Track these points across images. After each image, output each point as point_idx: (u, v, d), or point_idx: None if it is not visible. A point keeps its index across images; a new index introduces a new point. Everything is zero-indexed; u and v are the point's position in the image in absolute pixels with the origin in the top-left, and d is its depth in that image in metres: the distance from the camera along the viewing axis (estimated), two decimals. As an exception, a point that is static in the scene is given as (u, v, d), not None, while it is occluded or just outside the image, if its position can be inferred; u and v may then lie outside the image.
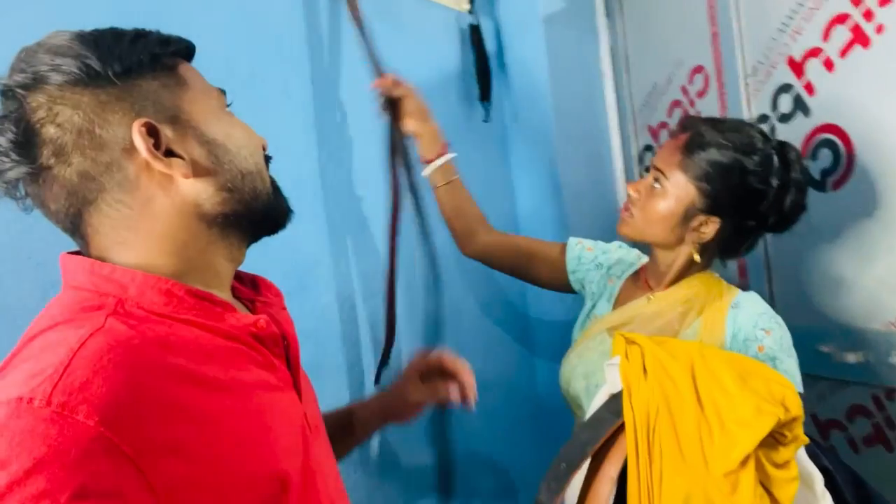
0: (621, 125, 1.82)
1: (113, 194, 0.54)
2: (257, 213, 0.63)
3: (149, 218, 0.56)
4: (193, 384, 0.52)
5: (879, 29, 1.15)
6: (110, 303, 0.52)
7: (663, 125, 1.69)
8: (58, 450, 0.41)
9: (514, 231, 1.70)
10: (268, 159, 0.67)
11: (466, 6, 1.60)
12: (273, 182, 0.66)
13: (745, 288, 1.07)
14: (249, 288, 0.71)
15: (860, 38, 1.18)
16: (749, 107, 1.44)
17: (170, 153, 0.56)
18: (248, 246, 0.66)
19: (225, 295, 0.63)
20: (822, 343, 1.31)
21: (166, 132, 0.56)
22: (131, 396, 0.46)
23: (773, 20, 1.35)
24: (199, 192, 0.57)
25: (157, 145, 0.55)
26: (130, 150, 0.54)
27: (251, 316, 0.61)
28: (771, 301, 1.42)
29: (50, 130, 0.52)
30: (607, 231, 1.76)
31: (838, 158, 1.25)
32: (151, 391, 0.48)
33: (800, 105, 1.32)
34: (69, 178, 0.53)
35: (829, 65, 1.25)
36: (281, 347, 0.64)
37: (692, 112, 1.59)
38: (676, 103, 1.64)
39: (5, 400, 0.43)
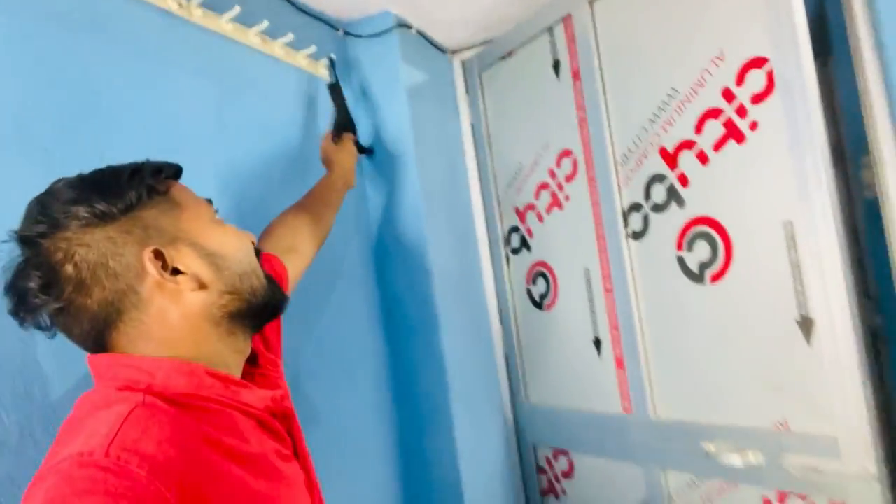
0: (486, 205, 1.73)
1: (130, 314, 0.62)
2: (257, 306, 0.72)
3: (163, 327, 0.64)
4: (222, 452, 0.59)
5: (753, 126, 1.16)
6: (143, 386, 0.59)
7: (531, 206, 1.62)
8: (115, 494, 0.48)
9: (381, 316, 1.51)
10: (257, 253, 0.75)
11: (324, 72, 1.42)
12: (267, 276, 0.75)
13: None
14: (247, 363, 0.77)
15: (734, 133, 1.19)
16: (621, 194, 1.40)
17: (176, 271, 0.64)
18: (252, 336, 0.75)
19: (237, 376, 0.71)
20: (706, 440, 1.26)
21: (171, 253, 0.64)
22: (175, 455, 0.54)
23: (642, 110, 1.34)
24: (205, 299, 0.66)
25: (164, 266, 0.63)
26: (142, 274, 0.62)
27: (267, 392, 0.71)
28: (651, 390, 1.36)
29: (69, 269, 0.59)
30: (476, 316, 1.64)
31: (716, 251, 1.24)
32: (190, 452, 0.55)
33: (674, 195, 1.30)
34: (91, 308, 0.61)
35: (703, 158, 1.25)
36: (288, 419, 0.75)
37: (560, 195, 1.54)
38: (544, 185, 1.58)
39: (68, 455, 0.51)
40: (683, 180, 1.29)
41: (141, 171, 0.66)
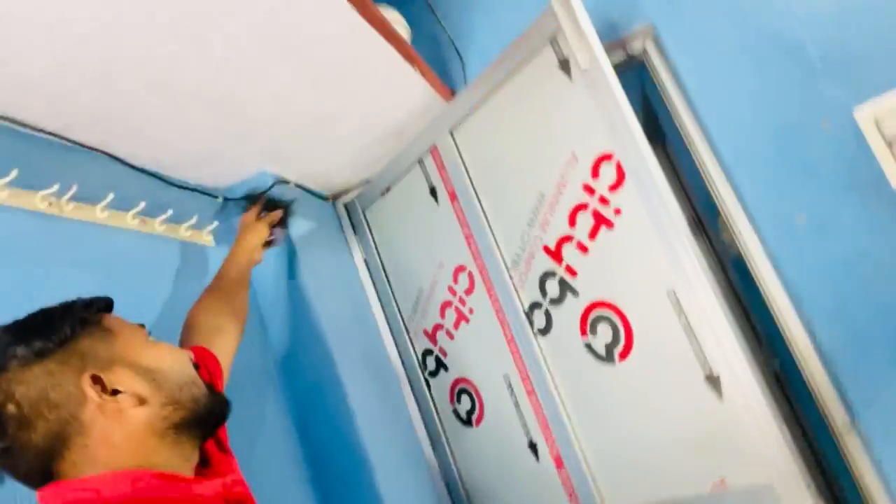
0: (394, 334, 1.74)
1: (75, 441, 0.64)
2: (201, 415, 0.73)
3: (108, 448, 0.65)
4: None
5: (617, 211, 1.28)
6: None
7: (439, 327, 1.64)
8: None
9: (307, 468, 1.43)
10: (196, 367, 0.78)
11: (209, 240, 1.43)
12: (206, 384, 0.77)
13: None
14: (200, 466, 0.77)
15: (603, 220, 1.30)
16: (519, 296, 1.46)
17: (115, 392, 0.66)
18: (199, 446, 0.75)
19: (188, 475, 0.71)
20: (658, 520, 1.26)
21: (108, 377, 0.66)
22: None
23: (519, 216, 1.44)
24: (147, 413, 0.68)
25: (103, 389, 0.65)
26: (82, 400, 0.64)
27: (217, 479, 0.72)
28: (594, 482, 1.36)
29: (11, 409, 0.62)
30: (409, 448, 1.59)
31: (617, 330, 1.30)
32: None
33: (566, 287, 1.38)
34: (35, 442, 0.62)
35: (582, 248, 1.34)
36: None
37: (464, 310, 1.58)
38: (447, 303, 1.62)
39: None
40: (571, 271, 1.37)
41: (72, 307, 0.70)
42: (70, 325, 0.68)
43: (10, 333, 0.66)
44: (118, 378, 0.67)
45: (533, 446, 1.48)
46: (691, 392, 1.20)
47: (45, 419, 0.62)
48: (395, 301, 1.74)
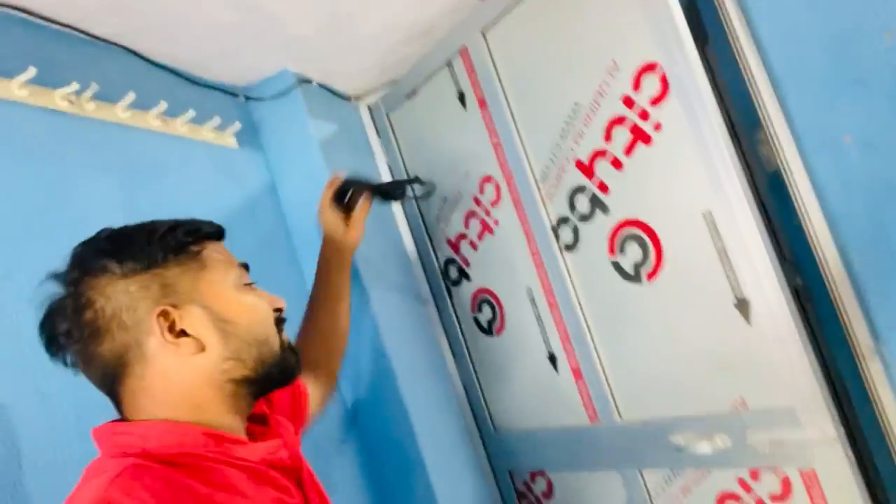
0: (417, 243, 1.73)
1: (134, 368, 0.65)
2: (262, 376, 0.72)
3: (165, 386, 0.66)
4: None
5: (657, 127, 1.22)
6: (136, 450, 0.63)
7: (462, 236, 1.63)
8: None
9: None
10: (282, 321, 0.78)
11: (233, 142, 1.39)
12: (283, 343, 0.76)
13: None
14: (258, 424, 0.80)
15: (641, 136, 1.24)
16: (547, 210, 1.43)
17: (183, 333, 0.66)
18: (256, 400, 0.76)
19: (238, 433, 0.72)
20: (673, 434, 1.29)
21: (180, 314, 0.66)
22: None
23: (552, 127, 1.38)
24: (207, 363, 0.68)
25: (171, 328, 0.66)
26: (149, 331, 0.65)
27: (261, 444, 0.72)
28: (612, 395, 1.39)
29: (88, 316, 0.64)
30: (429, 354, 1.63)
31: (646, 250, 1.28)
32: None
33: (597, 204, 1.34)
34: (103, 356, 0.65)
35: (617, 164, 1.29)
36: (293, 472, 0.75)
37: (489, 221, 1.56)
38: (472, 213, 1.59)
39: None
40: (603, 188, 1.33)
41: (175, 230, 0.70)
42: (164, 249, 0.68)
43: (111, 242, 0.67)
44: (189, 319, 0.67)
45: (552, 358, 1.50)
46: (719, 315, 1.19)
47: (114, 337, 0.64)
48: (420, 208, 1.72)
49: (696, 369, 1.25)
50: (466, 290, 1.67)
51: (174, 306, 0.66)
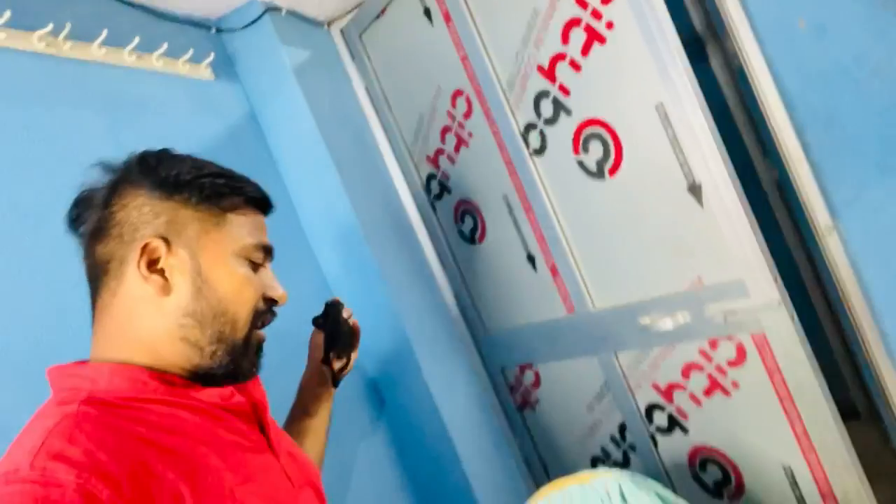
0: (399, 161, 1.80)
1: (110, 281, 0.66)
2: (210, 354, 0.68)
3: (128, 317, 0.66)
4: (158, 450, 0.60)
5: (609, 25, 1.26)
6: (82, 395, 0.61)
7: (440, 151, 1.70)
8: (45, 501, 0.49)
9: (325, 290, 1.58)
10: (268, 316, 0.74)
11: (208, 74, 1.45)
12: (252, 337, 0.72)
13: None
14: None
15: (595, 36, 1.29)
16: (515, 118, 1.49)
17: (162, 273, 0.66)
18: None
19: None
20: (641, 316, 1.39)
21: (168, 253, 0.66)
22: (106, 458, 0.55)
23: (514, 35, 1.42)
24: (168, 311, 0.66)
25: (154, 263, 0.66)
26: (135, 256, 0.66)
27: (215, 389, 0.69)
28: (585, 287, 1.49)
29: (105, 213, 0.66)
30: (418, 267, 1.73)
31: (607, 147, 1.35)
32: (124, 454, 0.56)
33: (560, 107, 1.40)
34: (94, 253, 0.67)
35: (575, 66, 1.35)
36: (251, 414, 0.74)
37: (464, 134, 1.62)
38: (447, 129, 1.66)
39: None
40: (564, 90, 1.38)
41: (217, 178, 0.70)
42: (192, 190, 0.68)
43: (158, 161, 0.69)
44: (172, 260, 0.66)
45: (531, 258, 1.60)
46: (676, 201, 1.27)
47: (109, 242, 0.66)
48: (399, 128, 1.78)
49: (657, 254, 1.34)
50: (448, 203, 1.75)
51: (167, 243, 0.66)
